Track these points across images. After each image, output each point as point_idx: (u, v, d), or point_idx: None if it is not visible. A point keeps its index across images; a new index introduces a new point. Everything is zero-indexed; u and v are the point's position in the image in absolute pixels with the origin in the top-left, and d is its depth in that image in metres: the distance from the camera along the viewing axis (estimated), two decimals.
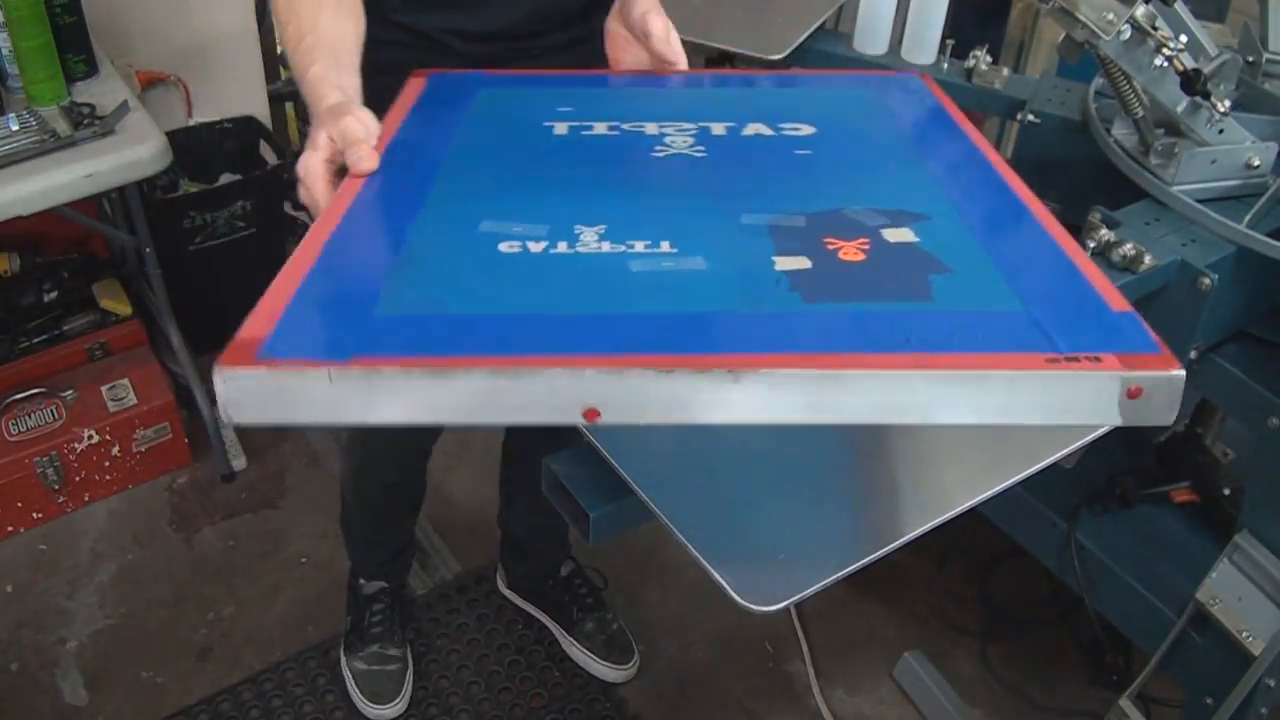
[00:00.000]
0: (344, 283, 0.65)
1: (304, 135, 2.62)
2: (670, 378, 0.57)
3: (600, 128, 0.92)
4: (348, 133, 0.82)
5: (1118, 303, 0.65)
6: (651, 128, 0.94)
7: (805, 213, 0.79)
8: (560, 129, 0.91)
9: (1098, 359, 0.60)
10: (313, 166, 0.83)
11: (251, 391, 0.57)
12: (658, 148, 0.91)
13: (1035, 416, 0.60)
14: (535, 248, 0.70)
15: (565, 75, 1.09)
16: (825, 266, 0.72)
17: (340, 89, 0.87)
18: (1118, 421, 0.61)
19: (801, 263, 0.72)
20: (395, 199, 0.78)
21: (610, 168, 0.87)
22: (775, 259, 0.72)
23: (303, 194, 0.85)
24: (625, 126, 0.92)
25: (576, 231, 0.74)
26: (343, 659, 1.73)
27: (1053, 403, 0.60)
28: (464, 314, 0.62)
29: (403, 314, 0.62)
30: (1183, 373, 0.59)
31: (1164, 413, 0.60)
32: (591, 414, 0.58)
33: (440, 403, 0.57)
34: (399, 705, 1.69)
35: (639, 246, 0.72)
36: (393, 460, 1.56)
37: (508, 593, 1.87)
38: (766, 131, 0.92)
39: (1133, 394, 0.59)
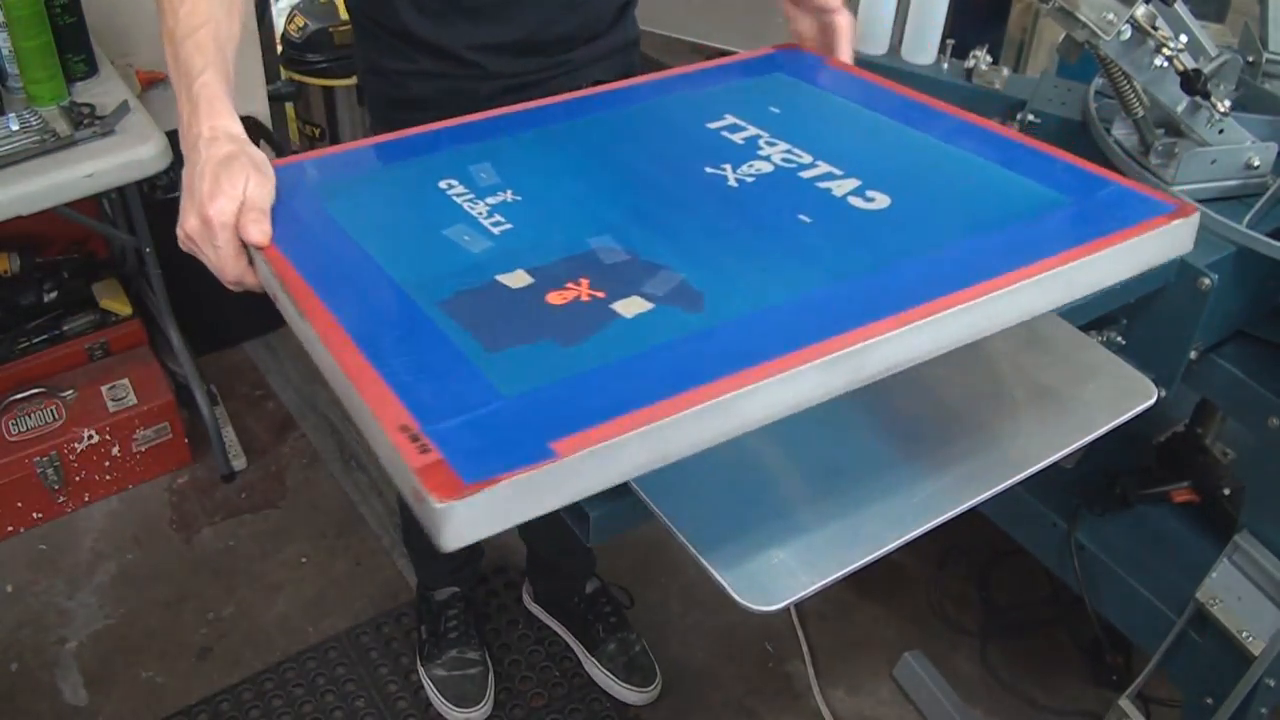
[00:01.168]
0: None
1: (310, 134, 2.62)
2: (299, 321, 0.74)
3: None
4: (259, 195, 0.79)
5: None
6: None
7: (631, 252, 0.80)
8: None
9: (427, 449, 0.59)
10: (229, 215, 0.77)
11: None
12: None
13: None
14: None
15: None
16: (528, 300, 0.74)
17: (235, 117, 0.83)
18: None
19: (522, 279, 0.76)
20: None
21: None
22: (500, 275, 0.76)
23: (197, 238, 0.79)
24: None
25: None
26: (420, 669, 1.73)
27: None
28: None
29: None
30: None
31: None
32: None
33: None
34: (485, 708, 1.68)
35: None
36: None
37: (534, 607, 1.86)
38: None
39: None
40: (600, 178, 0.91)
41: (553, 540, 1.73)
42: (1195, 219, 0.81)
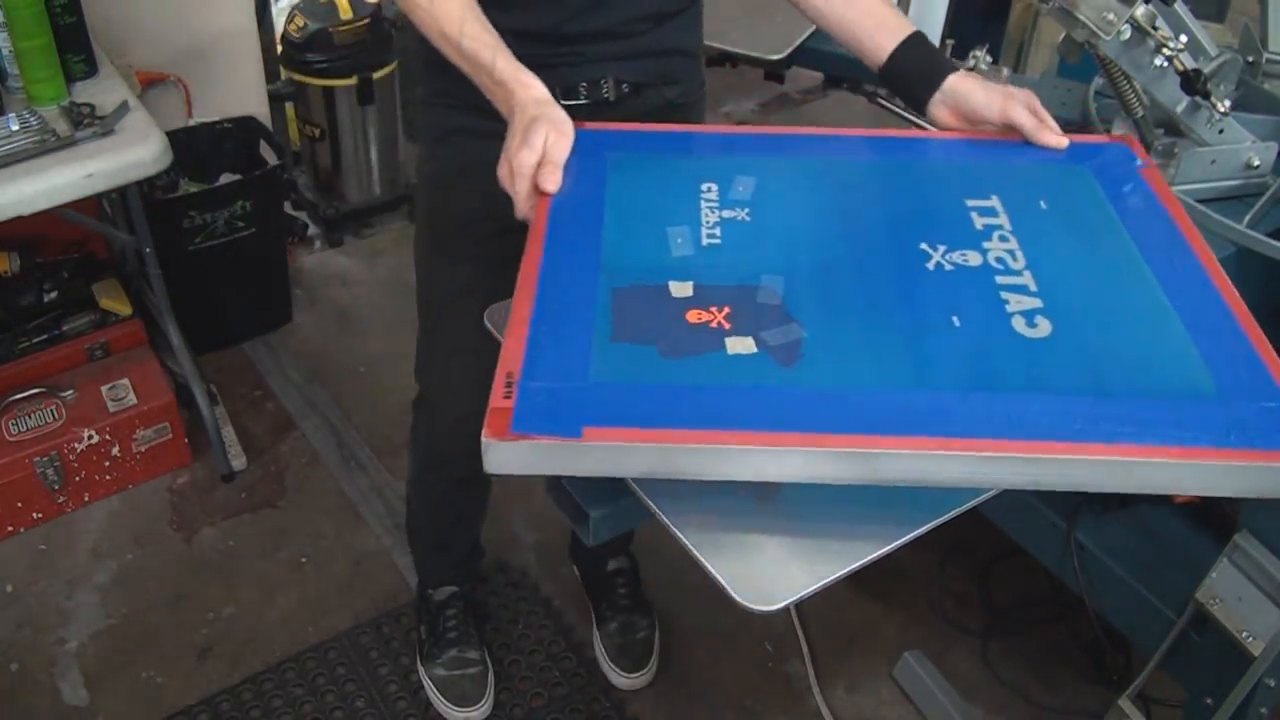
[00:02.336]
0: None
1: (310, 134, 2.62)
2: None
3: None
4: (556, 151, 0.97)
5: None
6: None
7: (785, 299, 0.87)
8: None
9: None
10: (528, 167, 0.96)
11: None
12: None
13: None
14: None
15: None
16: (672, 310, 0.85)
17: (535, 80, 1.01)
18: None
19: (685, 290, 0.88)
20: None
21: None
22: (672, 282, 0.88)
23: (507, 182, 0.98)
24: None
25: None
26: (420, 668, 1.73)
27: None
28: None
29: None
30: None
31: None
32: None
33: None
34: (485, 707, 1.69)
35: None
36: (458, 452, 1.52)
37: (574, 565, 1.89)
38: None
39: None
40: (829, 224, 0.98)
41: None
42: None
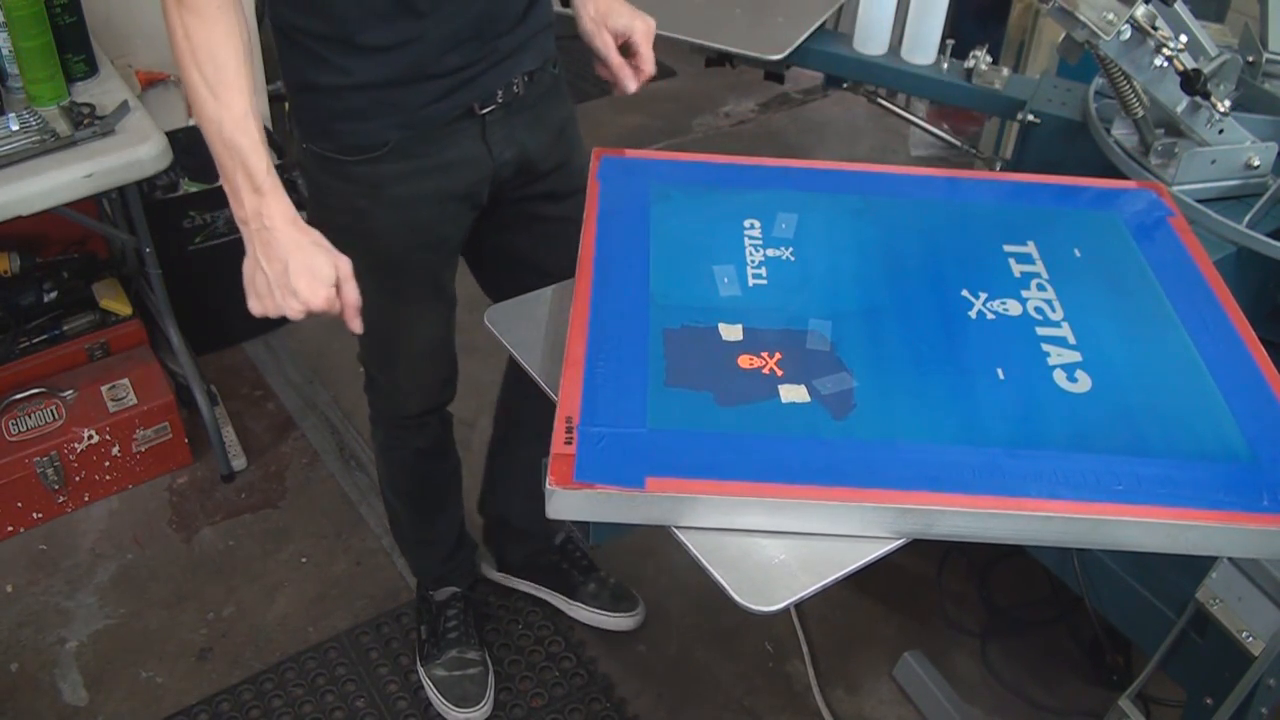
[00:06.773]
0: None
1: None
2: None
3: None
4: (351, 296, 1.02)
5: None
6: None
7: (834, 344, 0.88)
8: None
9: None
10: (319, 302, 1.01)
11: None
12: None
13: None
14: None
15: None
16: (724, 355, 0.86)
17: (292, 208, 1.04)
18: None
19: (735, 334, 0.89)
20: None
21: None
22: (722, 324, 0.89)
23: (272, 312, 1.03)
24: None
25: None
26: (420, 669, 1.73)
27: None
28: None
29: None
30: None
31: None
32: None
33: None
34: (485, 707, 1.69)
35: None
36: (415, 418, 1.51)
37: (497, 576, 1.87)
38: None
39: None
40: (872, 265, 0.99)
41: (528, 510, 1.74)
42: None
